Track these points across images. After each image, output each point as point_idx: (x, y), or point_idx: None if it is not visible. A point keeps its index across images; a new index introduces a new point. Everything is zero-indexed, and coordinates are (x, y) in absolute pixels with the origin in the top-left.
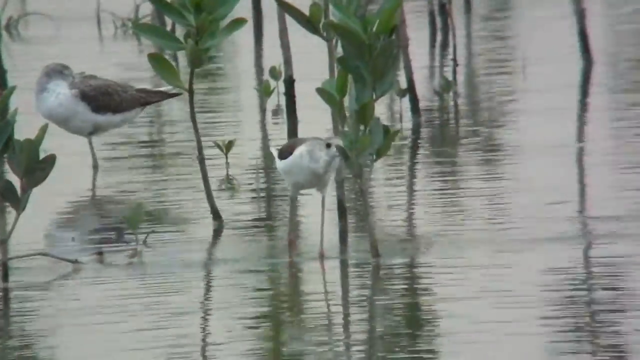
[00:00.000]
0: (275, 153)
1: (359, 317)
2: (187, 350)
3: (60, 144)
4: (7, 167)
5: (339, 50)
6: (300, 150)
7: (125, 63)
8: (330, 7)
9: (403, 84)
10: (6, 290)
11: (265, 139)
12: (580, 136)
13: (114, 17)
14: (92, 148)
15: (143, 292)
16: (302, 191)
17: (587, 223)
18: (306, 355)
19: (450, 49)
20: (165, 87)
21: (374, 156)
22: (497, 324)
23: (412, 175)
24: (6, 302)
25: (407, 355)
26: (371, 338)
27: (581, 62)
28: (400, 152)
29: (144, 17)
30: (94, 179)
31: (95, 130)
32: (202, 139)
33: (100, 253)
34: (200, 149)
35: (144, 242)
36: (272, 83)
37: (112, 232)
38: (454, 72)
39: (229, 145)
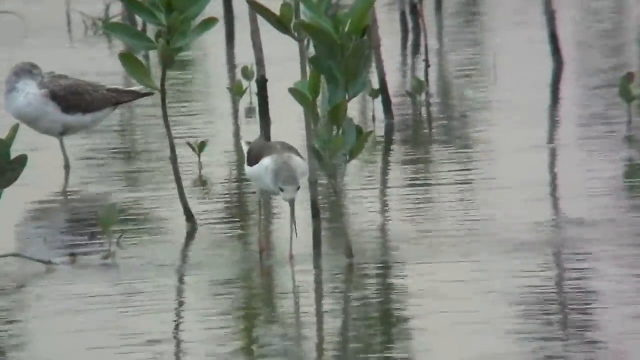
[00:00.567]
0: (245, 148)
1: (331, 318)
2: (159, 350)
3: (31, 143)
4: None
5: (311, 50)
6: (265, 163)
7: (95, 63)
8: (301, 6)
9: (375, 84)
10: None
11: (237, 139)
12: (552, 137)
13: (84, 16)
14: (63, 148)
15: (115, 293)
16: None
17: (559, 225)
18: (277, 355)
19: (422, 50)
20: (137, 87)
21: (347, 157)
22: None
23: (384, 175)
24: None
25: (380, 355)
26: (343, 339)
27: (552, 63)
28: (373, 153)
29: (114, 17)
30: (66, 179)
31: (65, 130)
32: (175, 139)
33: (73, 254)
34: (172, 149)
35: (117, 243)
36: (245, 83)
37: (85, 233)
38: (426, 73)
39: (202, 145)
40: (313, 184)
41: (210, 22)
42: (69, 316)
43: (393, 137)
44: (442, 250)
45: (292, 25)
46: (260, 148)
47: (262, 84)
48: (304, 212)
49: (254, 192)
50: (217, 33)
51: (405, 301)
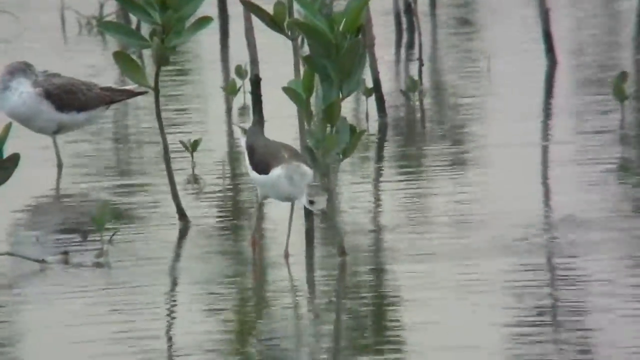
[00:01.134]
0: (240, 133)
1: (325, 315)
2: (150, 346)
3: (24, 141)
4: None
5: (305, 49)
6: (277, 173)
7: (89, 61)
8: (295, 5)
9: (369, 83)
10: None
11: (231, 138)
12: (545, 134)
13: (78, 15)
14: (56, 147)
15: (108, 292)
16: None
17: (551, 223)
18: (271, 352)
19: (416, 49)
20: (131, 86)
21: (341, 156)
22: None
23: (377, 173)
24: None
25: (372, 352)
26: (337, 337)
27: (545, 61)
28: (366, 151)
29: (108, 15)
30: (58, 178)
31: (59, 129)
32: (168, 138)
33: (65, 253)
34: (165, 148)
35: (110, 241)
36: (238, 82)
37: (78, 232)
38: (420, 72)
39: (195, 144)
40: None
41: (204, 21)
42: (61, 313)
43: (386, 136)
44: (435, 249)
45: (285, 24)
46: (266, 154)
47: (256, 83)
48: (297, 211)
49: (243, 194)
50: (212, 32)
51: (398, 299)
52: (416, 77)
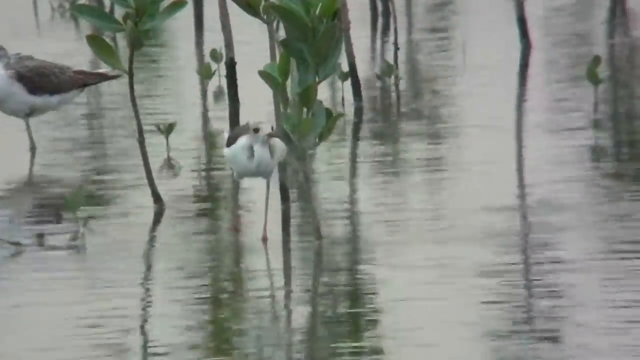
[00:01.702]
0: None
1: (301, 299)
2: (127, 329)
3: None
4: None
5: (281, 33)
6: (240, 143)
7: (62, 45)
8: None
9: (345, 67)
10: None
11: (206, 121)
12: (520, 118)
13: None
14: (29, 130)
15: (82, 275)
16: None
17: (525, 209)
18: (247, 336)
19: (392, 33)
20: (104, 69)
21: (317, 139)
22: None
23: (353, 157)
24: None
25: (349, 339)
26: (313, 322)
27: (520, 46)
28: (342, 135)
29: None
30: (32, 162)
31: (32, 111)
32: (143, 121)
33: (40, 236)
34: (140, 131)
35: (84, 224)
36: (213, 66)
37: (52, 215)
38: (395, 56)
39: (170, 127)
40: (282, 166)
41: (178, 4)
42: (36, 294)
43: (362, 120)
44: (411, 231)
45: (261, 7)
46: (238, 129)
47: (231, 66)
48: (274, 194)
49: (219, 178)
50: (186, 15)
51: (374, 285)
52: (392, 62)
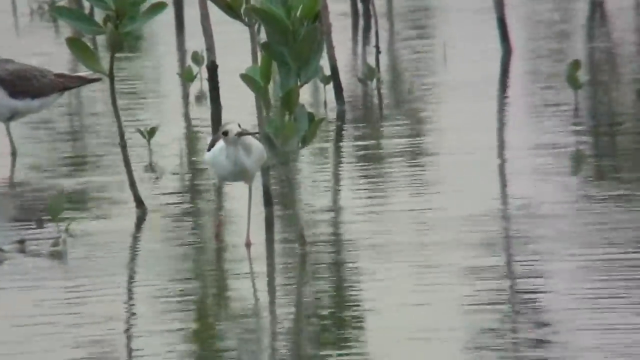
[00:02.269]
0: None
1: (285, 304)
2: (108, 334)
3: None
4: None
5: (263, 36)
6: (218, 146)
7: (42, 48)
8: None
9: (327, 71)
10: None
11: (188, 125)
12: (501, 123)
13: (30, 0)
14: (9, 134)
15: (64, 280)
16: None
17: (505, 215)
18: (230, 340)
19: (373, 36)
20: (85, 72)
21: (300, 143)
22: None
23: (336, 161)
24: None
25: (333, 344)
26: (297, 326)
27: (500, 49)
28: (325, 139)
29: (61, 1)
30: (13, 166)
31: (12, 115)
32: (124, 125)
33: (22, 241)
34: (121, 135)
35: (66, 230)
36: (195, 69)
37: (33, 221)
38: (377, 59)
39: (152, 131)
40: (265, 171)
41: (159, 6)
42: (19, 296)
43: (344, 123)
44: (394, 236)
45: (242, 10)
46: (219, 134)
47: (212, 69)
48: (257, 199)
49: (201, 182)
50: (167, 18)
51: (359, 290)
52: (373, 65)
